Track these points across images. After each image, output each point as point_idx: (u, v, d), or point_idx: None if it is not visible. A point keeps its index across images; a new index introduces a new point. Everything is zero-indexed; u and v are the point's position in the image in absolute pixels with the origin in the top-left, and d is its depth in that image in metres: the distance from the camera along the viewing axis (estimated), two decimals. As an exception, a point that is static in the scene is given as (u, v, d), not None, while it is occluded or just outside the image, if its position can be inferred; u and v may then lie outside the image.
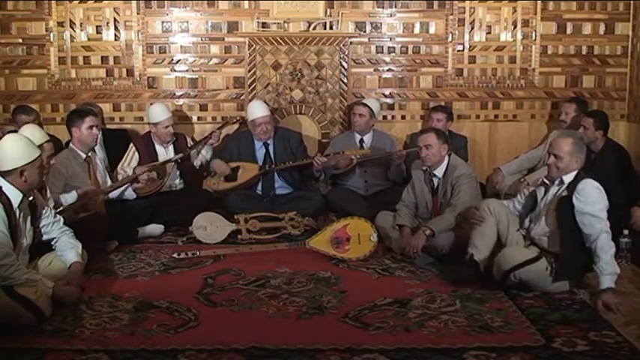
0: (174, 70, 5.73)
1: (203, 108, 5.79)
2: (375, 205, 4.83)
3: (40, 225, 3.48)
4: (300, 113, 5.80)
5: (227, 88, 5.77)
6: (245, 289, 3.57)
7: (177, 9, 5.65)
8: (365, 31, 5.74)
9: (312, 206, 5.04)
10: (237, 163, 5.22)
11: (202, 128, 5.74)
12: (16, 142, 3.26)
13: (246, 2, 5.65)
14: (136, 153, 5.07)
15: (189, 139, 5.35)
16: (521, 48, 5.80)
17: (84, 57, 5.67)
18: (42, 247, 3.52)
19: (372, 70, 5.80)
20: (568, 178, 3.47)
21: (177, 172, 5.19)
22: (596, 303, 3.25)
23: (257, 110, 5.20)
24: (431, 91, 5.84)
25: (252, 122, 5.22)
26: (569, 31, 5.79)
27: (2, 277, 3.01)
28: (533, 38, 5.78)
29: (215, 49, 5.72)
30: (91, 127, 4.48)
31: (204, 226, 4.53)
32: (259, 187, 5.25)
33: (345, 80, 5.75)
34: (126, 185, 4.75)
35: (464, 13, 5.74)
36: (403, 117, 5.87)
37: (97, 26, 5.64)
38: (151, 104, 5.36)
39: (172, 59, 5.71)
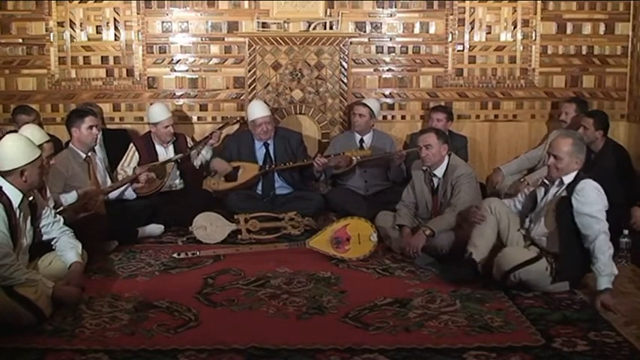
0: (174, 70, 5.73)
1: (203, 108, 5.79)
2: (375, 205, 4.83)
3: (40, 225, 3.48)
4: (300, 113, 5.80)
5: (227, 88, 5.77)
6: (245, 289, 3.57)
7: (177, 9, 5.65)
8: (365, 31, 5.74)
9: (312, 206, 5.04)
10: (237, 163, 5.22)
11: (202, 128, 5.74)
12: (16, 142, 3.26)
13: (246, 2, 5.65)
14: (136, 153, 5.07)
15: (189, 139, 5.35)
16: (521, 48, 5.80)
17: (84, 57, 5.67)
18: (42, 247, 3.52)
19: (372, 70, 5.80)
20: (568, 178, 3.47)
21: (177, 172, 5.19)
22: (594, 304, 3.25)
23: (257, 110, 5.20)
24: (431, 91, 5.84)
25: (253, 122, 5.22)
26: (569, 31, 5.79)
27: (2, 277, 3.01)
28: (533, 38, 5.78)
29: (215, 49, 5.72)
30: (90, 127, 4.48)
31: (204, 226, 4.53)
32: (259, 187, 5.25)
33: (345, 80, 5.75)
34: (126, 185, 4.75)
35: (464, 13, 5.74)
36: (403, 117, 5.87)
37: (97, 26, 5.64)
38: (151, 104, 5.36)
39: (172, 59, 5.71)
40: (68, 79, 5.68)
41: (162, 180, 4.97)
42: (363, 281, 3.76)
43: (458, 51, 5.79)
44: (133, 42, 5.66)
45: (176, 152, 5.15)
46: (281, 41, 5.64)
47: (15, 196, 3.21)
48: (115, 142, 5.21)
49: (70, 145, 4.59)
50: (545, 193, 3.62)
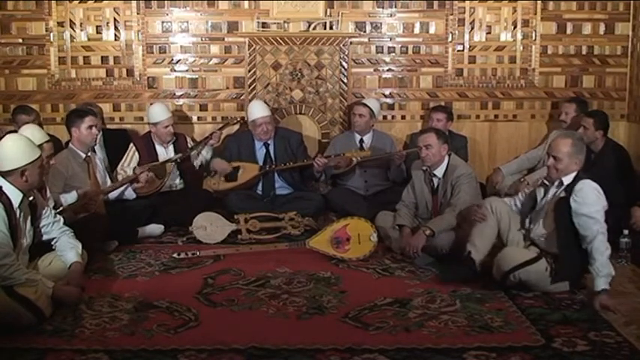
0: (174, 70, 5.73)
1: (203, 108, 5.79)
2: (375, 205, 4.83)
3: (40, 225, 3.48)
4: (300, 113, 5.80)
5: (227, 88, 5.77)
6: (245, 289, 3.57)
7: (177, 9, 5.65)
8: (365, 31, 5.74)
9: (312, 206, 5.04)
10: (237, 163, 5.22)
11: (202, 128, 5.74)
12: (16, 142, 3.26)
13: (246, 2, 5.65)
14: (136, 153, 5.07)
15: (189, 140, 5.35)
16: (521, 48, 5.80)
17: (84, 57, 5.67)
18: (42, 247, 3.52)
19: (372, 70, 5.80)
20: (567, 179, 3.47)
21: (177, 172, 5.19)
22: (593, 304, 3.25)
23: (257, 110, 5.20)
24: (431, 91, 5.84)
25: (253, 122, 5.22)
26: (569, 31, 5.79)
27: (2, 277, 3.01)
28: (533, 38, 5.78)
29: (215, 49, 5.72)
30: (90, 127, 4.48)
31: (204, 226, 4.53)
32: (259, 187, 5.25)
33: (345, 80, 5.75)
34: (126, 185, 4.75)
35: (464, 13, 5.74)
36: (403, 117, 5.87)
37: (97, 26, 5.64)
38: (151, 104, 5.36)
39: (172, 59, 5.71)
40: (68, 79, 5.68)
41: (162, 180, 4.97)
42: (363, 281, 3.75)
43: (458, 51, 5.79)
44: (133, 42, 5.66)
45: (176, 152, 5.15)
46: (281, 41, 5.64)
47: (15, 196, 3.21)
48: (115, 142, 5.21)
49: (70, 145, 4.59)
50: (545, 193, 3.62)
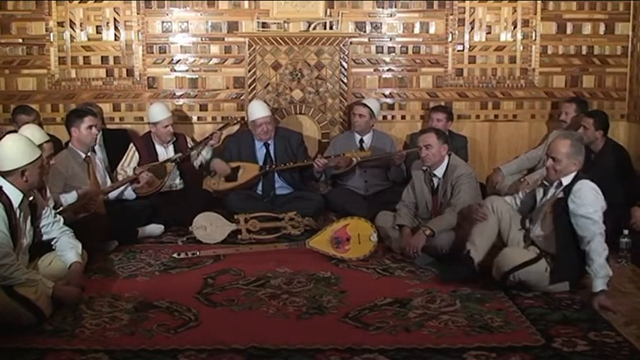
0: (174, 70, 5.73)
1: (203, 108, 5.79)
2: (375, 205, 4.83)
3: (40, 225, 3.48)
4: (300, 113, 5.80)
5: (227, 88, 5.77)
6: (245, 289, 3.57)
7: (177, 9, 5.65)
8: (365, 31, 5.74)
9: (312, 206, 5.04)
10: (237, 163, 5.22)
11: (202, 128, 5.75)
12: (16, 142, 3.26)
13: (246, 2, 5.65)
14: (136, 153, 5.07)
15: (189, 140, 5.35)
16: (521, 48, 5.80)
17: (84, 57, 5.67)
18: (42, 247, 3.52)
19: (372, 70, 5.80)
20: (566, 180, 3.46)
21: (177, 172, 5.19)
22: (592, 305, 3.24)
23: (258, 110, 5.20)
24: (431, 91, 5.84)
25: (253, 122, 5.22)
26: (569, 31, 5.79)
27: (2, 277, 3.01)
28: (533, 38, 5.78)
29: (215, 49, 5.72)
30: (90, 127, 4.48)
31: (204, 226, 4.53)
32: (259, 187, 5.25)
33: (345, 80, 5.75)
34: (126, 185, 4.75)
35: (464, 13, 5.74)
36: (403, 117, 5.87)
37: (97, 26, 5.64)
38: (151, 104, 5.36)
39: (172, 59, 5.71)
40: (68, 79, 5.68)
41: (162, 180, 4.97)
42: (363, 281, 3.75)
43: (458, 51, 5.79)
44: (133, 42, 5.66)
45: (176, 152, 5.15)
46: (281, 41, 5.64)
47: (15, 196, 3.21)
48: (115, 142, 5.21)
49: (70, 145, 4.59)
50: (544, 193, 3.62)
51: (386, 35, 5.76)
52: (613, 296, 3.34)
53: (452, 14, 5.73)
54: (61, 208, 4.01)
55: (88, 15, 5.62)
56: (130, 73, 5.70)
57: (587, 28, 5.79)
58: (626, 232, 3.98)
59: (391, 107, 5.85)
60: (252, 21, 5.61)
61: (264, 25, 5.62)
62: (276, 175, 5.24)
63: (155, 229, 4.69)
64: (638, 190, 4.52)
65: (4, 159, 3.20)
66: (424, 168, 4.31)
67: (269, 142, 5.27)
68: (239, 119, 5.64)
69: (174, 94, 5.76)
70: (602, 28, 5.79)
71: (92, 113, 4.64)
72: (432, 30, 5.77)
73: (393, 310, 3.26)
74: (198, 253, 4.13)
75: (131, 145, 5.12)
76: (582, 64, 5.84)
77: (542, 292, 3.44)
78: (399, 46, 5.77)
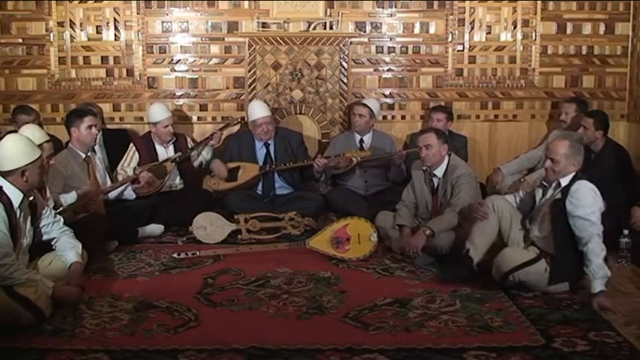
0: (174, 70, 5.73)
1: (203, 108, 5.79)
2: (375, 205, 4.83)
3: (40, 225, 3.48)
4: (300, 113, 5.80)
5: (227, 88, 5.77)
6: (245, 289, 3.57)
7: (177, 9, 5.65)
8: (365, 31, 5.74)
9: (312, 206, 5.03)
10: (237, 163, 5.22)
11: (202, 128, 5.75)
12: (16, 142, 3.26)
13: (246, 2, 5.65)
14: (136, 153, 5.07)
15: (189, 140, 5.35)
16: (521, 48, 5.80)
17: (84, 57, 5.67)
18: (42, 247, 3.52)
19: (372, 70, 5.80)
20: (565, 180, 3.45)
21: (177, 172, 5.19)
22: (591, 306, 3.24)
23: (258, 110, 5.20)
24: (431, 91, 5.84)
25: (253, 122, 5.22)
26: (569, 31, 5.79)
27: (2, 277, 3.01)
28: (533, 38, 5.78)
29: (215, 49, 5.72)
30: (89, 127, 4.48)
31: (204, 226, 4.53)
32: (259, 187, 5.25)
33: (345, 80, 5.75)
34: (126, 185, 4.75)
35: (464, 13, 5.74)
36: (403, 117, 5.87)
37: (97, 26, 5.64)
38: (151, 104, 5.36)
39: (172, 59, 5.71)
40: (68, 79, 5.68)
41: (162, 180, 4.97)
42: (363, 281, 3.75)
43: (458, 51, 5.79)
44: (133, 42, 5.66)
45: (176, 152, 5.15)
46: (281, 41, 5.64)
47: (15, 196, 3.21)
48: (115, 142, 5.21)
49: (70, 145, 4.59)
50: (543, 194, 3.61)
51: (386, 35, 5.76)
52: (613, 296, 3.35)
53: (452, 14, 5.73)
54: (60, 208, 4.01)
55: (88, 15, 5.62)
56: (130, 73, 5.70)
57: (587, 28, 5.79)
58: (626, 232, 3.98)
59: (391, 107, 5.85)
60: (252, 21, 5.61)
61: (264, 25, 5.62)
62: (276, 175, 5.24)
63: (155, 229, 4.69)
64: (638, 190, 4.52)
65: (4, 159, 3.20)
66: (424, 168, 4.31)
67: (269, 142, 5.27)
68: (239, 119, 5.64)
69: (174, 94, 5.76)
70: (602, 28, 5.79)
71: (92, 113, 4.64)
72: (432, 30, 5.77)
73: (393, 310, 3.26)
74: (198, 253, 4.13)
75: (131, 145, 5.12)
76: (582, 64, 5.84)
77: (542, 292, 3.43)
78: (399, 46, 5.77)
